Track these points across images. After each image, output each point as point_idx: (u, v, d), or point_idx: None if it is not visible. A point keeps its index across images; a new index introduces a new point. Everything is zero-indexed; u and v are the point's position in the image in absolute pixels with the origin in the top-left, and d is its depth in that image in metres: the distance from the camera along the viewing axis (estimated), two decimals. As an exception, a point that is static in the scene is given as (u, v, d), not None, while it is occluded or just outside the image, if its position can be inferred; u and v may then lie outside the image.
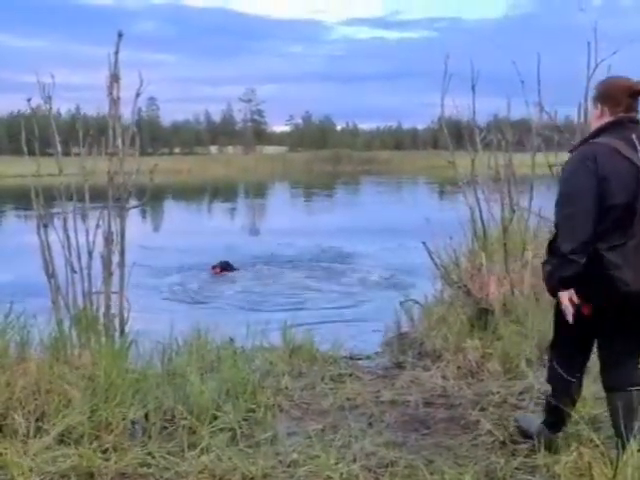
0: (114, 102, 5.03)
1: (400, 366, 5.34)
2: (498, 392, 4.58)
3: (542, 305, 5.70)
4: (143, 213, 26.28)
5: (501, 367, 5.01)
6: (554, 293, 3.34)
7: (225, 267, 11.41)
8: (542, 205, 7.17)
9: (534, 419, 3.84)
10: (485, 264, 6.02)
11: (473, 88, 6.17)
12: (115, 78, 5.00)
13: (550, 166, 7.13)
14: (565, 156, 7.68)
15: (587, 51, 6.59)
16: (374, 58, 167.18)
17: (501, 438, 3.83)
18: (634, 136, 3.22)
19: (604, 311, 3.23)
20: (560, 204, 3.28)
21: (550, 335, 3.98)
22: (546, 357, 5.07)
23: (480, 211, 6.22)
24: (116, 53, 4.95)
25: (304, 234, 16.88)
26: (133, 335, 4.95)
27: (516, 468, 3.44)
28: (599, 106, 3.38)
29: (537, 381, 4.62)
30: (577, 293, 3.22)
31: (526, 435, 3.78)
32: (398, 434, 3.98)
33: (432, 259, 6.38)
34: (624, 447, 3.07)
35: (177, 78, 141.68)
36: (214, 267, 11.36)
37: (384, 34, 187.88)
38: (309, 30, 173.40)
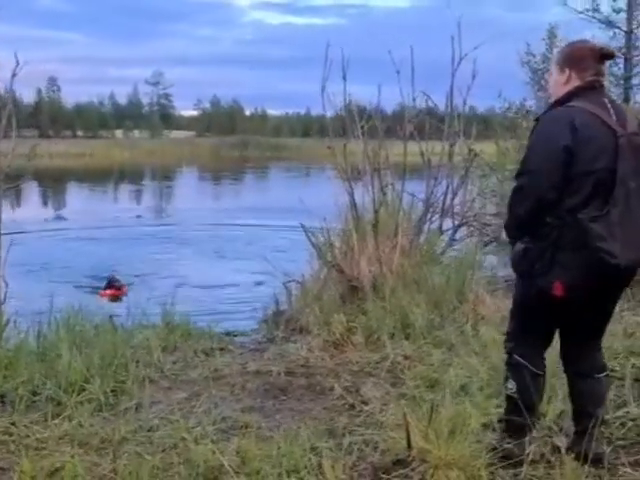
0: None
1: (272, 341, 5.64)
2: (357, 362, 4.94)
3: (407, 283, 6.13)
4: (44, 198, 25.55)
5: (364, 339, 5.37)
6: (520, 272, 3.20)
7: (114, 286, 9.16)
8: (414, 189, 7.65)
9: None
10: (357, 244, 6.38)
11: (344, 77, 6.57)
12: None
13: (422, 154, 7.65)
14: (437, 145, 8.21)
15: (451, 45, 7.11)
16: (283, 43, 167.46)
17: (351, 401, 4.18)
18: (606, 100, 3.12)
19: (576, 290, 3.01)
20: (523, 161, 3.11)
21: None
22: (409, 331, 5.49)
23: (353, 195, 6.58)
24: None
25: (204, 216, 17.02)
26: (9, 315, 5.05)
27: (357, 425, 3.78)
28: (567, 70, 3.18)
29: (393, 352, 5.00)
30: (550, 271, 3.02)
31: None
32: (257, 400, 4.27)
33: (309, 239, 6.70)
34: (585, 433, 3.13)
35: (80, 58, 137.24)
36: (106, 287, 9.17)
37: (293, 20, 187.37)
38: (220, 13, 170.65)
